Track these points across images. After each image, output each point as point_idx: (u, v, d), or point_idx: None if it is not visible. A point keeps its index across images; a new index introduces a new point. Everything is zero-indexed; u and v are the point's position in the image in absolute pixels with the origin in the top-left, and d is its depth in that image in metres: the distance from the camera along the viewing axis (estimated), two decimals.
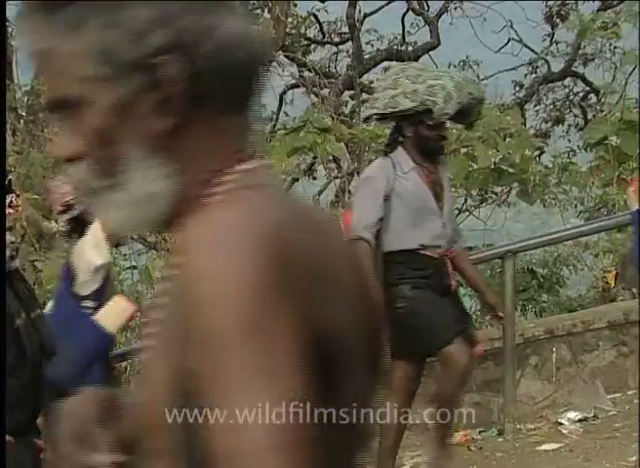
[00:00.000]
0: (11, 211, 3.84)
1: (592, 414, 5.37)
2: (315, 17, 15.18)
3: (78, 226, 4.44)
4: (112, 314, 4.45)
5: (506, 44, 15.10)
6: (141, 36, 1.07)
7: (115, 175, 1.12)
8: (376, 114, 4.79)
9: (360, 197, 4.64)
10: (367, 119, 5.80)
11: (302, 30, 15.21)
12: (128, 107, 1.10)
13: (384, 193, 4.46)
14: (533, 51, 15.07)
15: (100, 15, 1.08)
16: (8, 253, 3.48)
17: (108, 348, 4.56)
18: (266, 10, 12.47)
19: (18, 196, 4.03)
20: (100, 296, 4.48)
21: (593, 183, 8.54)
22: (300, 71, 13.90)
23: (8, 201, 3.85)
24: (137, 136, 1.10)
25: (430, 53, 14.77)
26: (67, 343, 4.31)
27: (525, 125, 11.78)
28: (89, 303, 4.47)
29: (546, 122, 14.90)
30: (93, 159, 1.12)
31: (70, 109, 1.12)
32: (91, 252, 4.41)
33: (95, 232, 4.38)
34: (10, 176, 4.12)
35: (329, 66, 15.29)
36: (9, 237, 3.74)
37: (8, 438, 3.30)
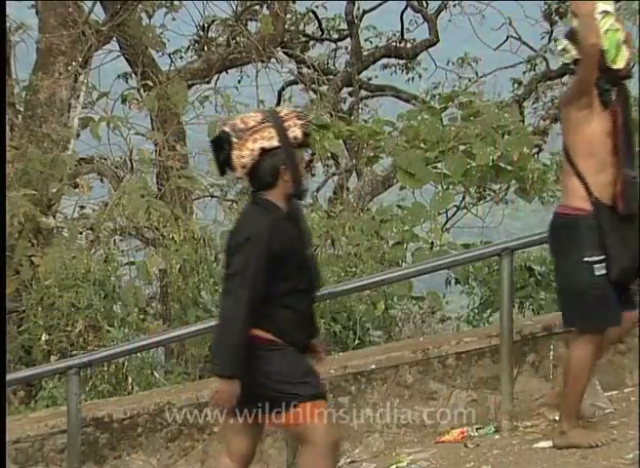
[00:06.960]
0: None
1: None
2: (314, 13, 15.17)
3: None
4: None
5: (505, 41, 15.11)
6: None
7: None
8: None
9: None
10: None
11: (301, 27, 15.23)
12: None
13: None
14: (531, 48, 15.08)
15: None
16: None
17: None
18: (265, 6, 12.48)
19: None
20: None
21: None
22: (298, 68, 13.90)
23: None
24: None
25: (429, 50, 14.79)
26: None
27: (523, 122, 11.78)
28: None
29: (545, 119, 14.91)
30: None
31: None
32: None
33: None
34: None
35: (327, 63, 15.29)
36: None
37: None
